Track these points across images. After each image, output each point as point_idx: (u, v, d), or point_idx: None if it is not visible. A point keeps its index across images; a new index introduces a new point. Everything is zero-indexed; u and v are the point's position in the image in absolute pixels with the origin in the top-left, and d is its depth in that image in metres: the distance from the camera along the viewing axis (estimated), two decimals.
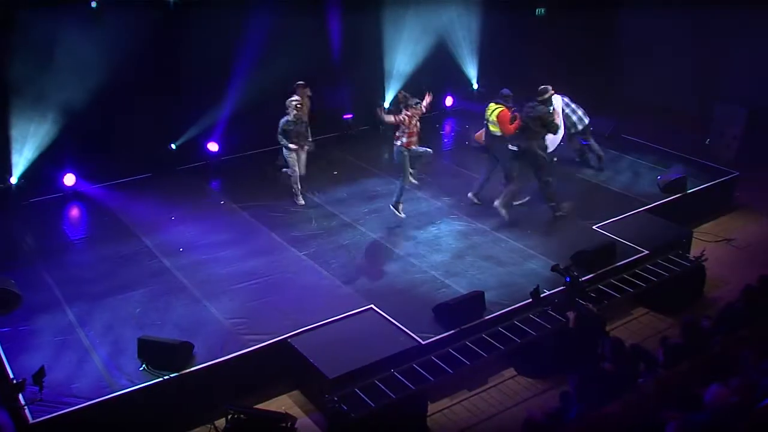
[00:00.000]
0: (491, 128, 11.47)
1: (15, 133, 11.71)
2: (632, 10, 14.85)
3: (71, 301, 9.34)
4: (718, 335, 8.30)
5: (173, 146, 13.08)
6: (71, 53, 11.64)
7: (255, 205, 11.93)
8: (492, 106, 11.47)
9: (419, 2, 15.24)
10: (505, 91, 11.47)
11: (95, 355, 8.36)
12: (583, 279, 9.67)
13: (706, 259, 10.41)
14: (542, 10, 16.86)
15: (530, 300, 9.00)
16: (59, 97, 11.77)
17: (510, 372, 9.03)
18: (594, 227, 11.20)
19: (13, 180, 11.83)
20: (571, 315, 8.77)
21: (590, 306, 8.92)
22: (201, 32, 12.75)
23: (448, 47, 16.01)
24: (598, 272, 9.95)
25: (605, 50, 15.25)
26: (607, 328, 9.64)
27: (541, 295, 9.07)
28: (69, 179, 12.28)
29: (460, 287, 9.63)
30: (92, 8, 11.68)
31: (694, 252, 10.82)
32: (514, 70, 15.52)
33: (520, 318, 9.04)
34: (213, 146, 13.41)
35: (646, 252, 10.47)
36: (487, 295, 9.31)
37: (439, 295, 9.43)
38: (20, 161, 11.89)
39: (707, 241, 11.69)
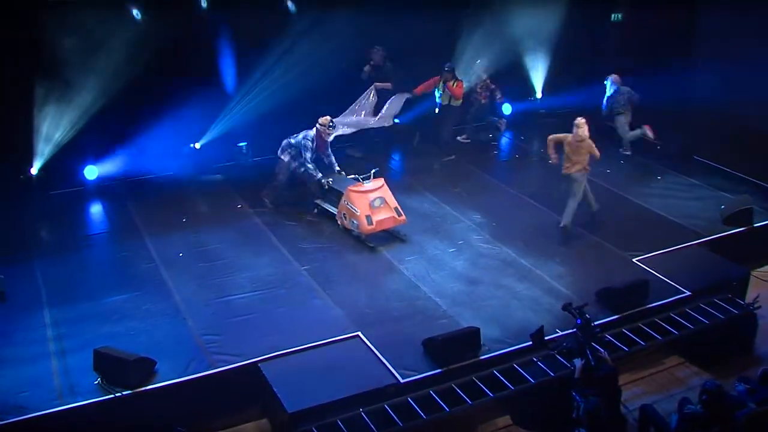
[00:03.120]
0: None
1: (39, 124, 11.53)
2: (713, 10, 13.22)
3: (52, 301, 8.97)
4: (749, 405, 7.01)
5: (196, 146, 12.58)
6: (102, 48, 11.41)
7: (273, 211, 11.29)
8: None
9: (490, 5, 14.24)
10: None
11: (56, 364, 7.90)
12: (605, 321, 8.55)
13: (759, 307, 8.97)
14: (619, 16, 15.46)
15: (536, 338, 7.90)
16: (86, 91, 11.57)
17: (505, 420, 7.96)
18: (634, 260, 9.91)
19: (34, 171, 11.66)
20: (578, 363, 7.61)
21: (604, 354, 7.72)
22: (236, 30, 12.33)
23: (515, 53, 14.89)
24: (625, 314, 8.72)
25: (681, 59, 13.67)
26: (631, 378, 8.49)
27: (548, 338, 7.97)
28: (91, 172, 12.03)
29: (462, 319, 8.63)
30: None
31: (749, 297, 9.38)
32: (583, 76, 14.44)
33: (520, 361, 7.96)
34: (240, 143, 12.99)
35: (687, 293, 9.13)
36: (490, 332, 8.33)
37: (437, 326, 8.45)
38: (43, 153, 11.71)
39: None
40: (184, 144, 12.61)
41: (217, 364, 7.87)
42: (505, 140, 14.67)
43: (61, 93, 11.43)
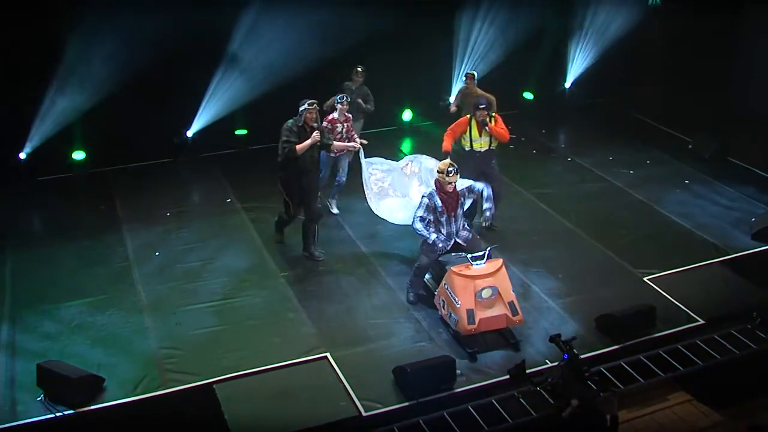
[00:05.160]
0: None
1: (29, 110, 11.04)
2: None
3: (15, 304, 8.49)
4: None
5: (189, 135, 11.96)
6: (96, 35, 10.87)
7: (262, 206, 10.61)
8: None
9: None
10: None
11: (3, 373, 7.40)
12: (603, 351, 7.74)
13: None
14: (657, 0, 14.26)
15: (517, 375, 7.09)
16: (80, 75, 11.01)
17: None
18: (645, 279, 8.99)
19: (22, 156, 11.22)
20: (574, 403, 6.77)
21: (601, 395, 6.85)
22: (232, 15, 11.57)
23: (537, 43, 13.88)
24: (626, 344, 7.85)
25: (724, 48, 12.37)
26: (628, 416, 7.56)
27: (535, 370, 7.17)
28: (80, 154, 11.61)
29: (444, 343, 7.88)
30: None
31: None
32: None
33: (500, 396, 7.16)
34: (240, 131, 12.34)
35: (701, 322, 8.20)
36: (473, 360, 7.57)
37: (414, 350, 7.72)
38: (33, 138, 11.23)
39: None
40: (176, 130, 12.01)
41: (169, 383, 7.29)
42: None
43: (54, 77, 10.91)
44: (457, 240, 8.30)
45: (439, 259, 8.18)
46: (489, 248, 7.98)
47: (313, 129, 8.76)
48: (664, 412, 7.78)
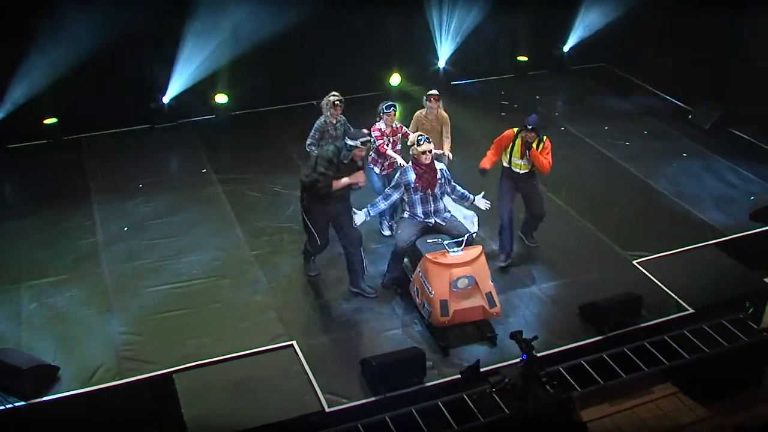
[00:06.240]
0: None
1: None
2: None
3: None
4: None
5: (164, 101, 11.47)
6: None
7: (238, 178, 10.20)
8: None
9: None
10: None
11: None
12: (586, 342, 7.37)
13: None
14: None
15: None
16: (53, 39, 10.46)
17: None
18: (635, 262, 8.54)
19: None
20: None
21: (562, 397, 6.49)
22: None
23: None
24: (610, 335, 7.44)
25: (729, 13, 11.67)
26: (607, 411, 7.25)
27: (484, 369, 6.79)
28: (52, 120, 11.11)
29: (415, 331, 7.49)
30: None
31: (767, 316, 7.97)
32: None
33: (472, 391, 6.76)
34: (221, 98, 11.79)
35: (690, 311, 7.78)
36: (445, 354, 7.19)
37: (383, 339, 7.37)
38: (6, 103, 10.75)
39: None
40: (152, 96, 11.53)
41: (126, 373, 6.95)
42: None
43: (27, 41, 10.38)
44: (437, 219, 7.85)
45: (416, 243, 7.70)
46: (467, 234, 7.50)
47: (357, 167, 7.66)
48: (647, 406, 7.44)
